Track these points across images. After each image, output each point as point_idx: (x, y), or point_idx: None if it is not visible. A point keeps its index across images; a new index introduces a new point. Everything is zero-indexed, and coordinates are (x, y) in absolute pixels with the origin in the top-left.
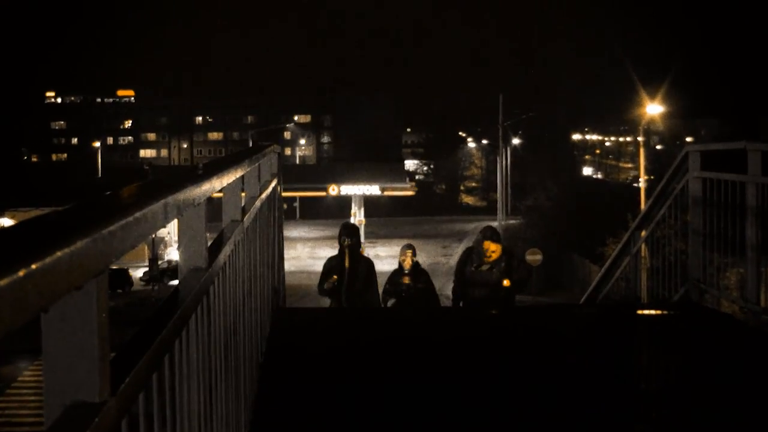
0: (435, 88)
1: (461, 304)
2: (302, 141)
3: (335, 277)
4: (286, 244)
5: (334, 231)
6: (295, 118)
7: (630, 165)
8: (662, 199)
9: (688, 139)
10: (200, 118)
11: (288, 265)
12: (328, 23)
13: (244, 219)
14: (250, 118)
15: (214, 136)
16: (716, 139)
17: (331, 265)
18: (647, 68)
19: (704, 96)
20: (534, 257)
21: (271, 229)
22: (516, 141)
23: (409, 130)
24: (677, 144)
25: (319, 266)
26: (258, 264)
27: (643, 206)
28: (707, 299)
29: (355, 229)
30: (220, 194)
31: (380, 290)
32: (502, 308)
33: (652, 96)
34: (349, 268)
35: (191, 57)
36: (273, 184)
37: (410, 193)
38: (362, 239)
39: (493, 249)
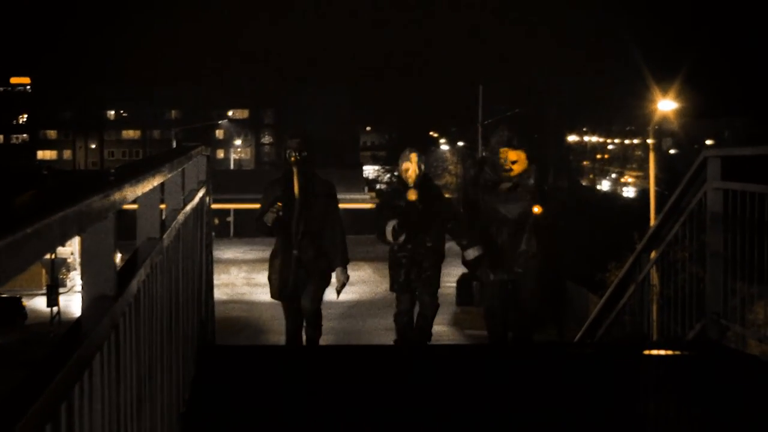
0: (401, 80)
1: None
2: (238, 141)
3: (277, 207)
4: (217, 268)
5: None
6: (230, 113)
7: (637, 173)
8: (675, 214)
9: (708, 143)
10: (113, 113)
11: (219, 294)
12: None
13: (164, 236)
14: (174, 113)
15: (130, 134)
16: (742, 142)
17: (274, 190)
18: (659, 58)
19: (727, 91)
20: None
21: (197, 248)
22: None
23: (368, 129)
24: (695, 148)
25: (257, 294)
26: (181, 291)
27: (652, 223)
28: (729, 337)
29: (305, 136)
30: (135, 206)
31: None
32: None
33: (665, 91)
34: (300, 195)
35: (103, 37)
36: (200, 194)
37: (369, 205)
38: None
39: (513, 158)
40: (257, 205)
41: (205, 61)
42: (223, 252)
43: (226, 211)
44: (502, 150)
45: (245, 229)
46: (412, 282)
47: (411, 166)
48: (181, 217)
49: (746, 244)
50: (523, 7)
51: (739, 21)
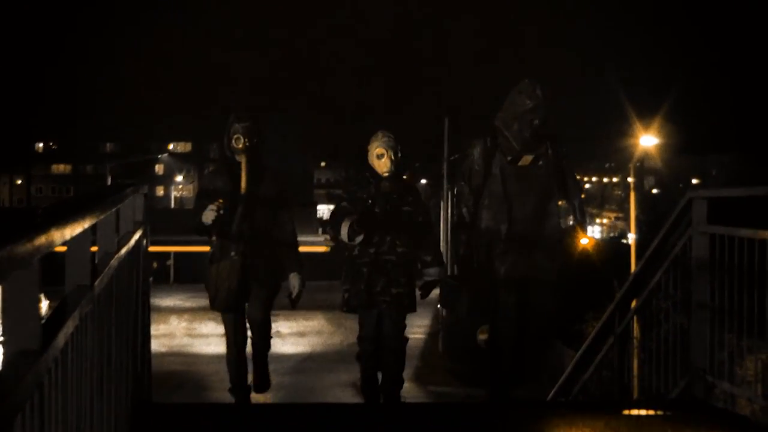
0: (358, 110)
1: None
2: (179, 177)
3: (218, 203)
4: (155, 317)
5: None
6: (171, 146)
7: (616, 213)
8: (658, 260)
9: (694, 181)
10: (41, 145)
11: (157, 345)
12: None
13: (96, 284)
14: (109, 146)
15: (60, 168)
16: (730, 180)
17: (214, 182)
18: (641, 92)
19: (715, 126)
20: (486, 336)
21: (133, 296)
22: None
23: (323, 164)
24: (680, 187)
25: (199, 346)
26: (114, 344)
27: (633, 269)
28: (717, 395)
29: (256, 119)
30: (64, 248)
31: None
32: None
33: (647, 126)
34: (248, 190)
35: (32, 63)
36: (137, 236)
37: (324, 248)
38: None
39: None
40: (202, 248)
41: (144, 90)
42: (162, 299)
43: (166, 254)
44: (527, 102)
45: (187, 273)
46: (377, 297)
47: (386, 153)
48: (114, 261)
49: (735, 293)
50: (499, 41)
51: (726, 55)
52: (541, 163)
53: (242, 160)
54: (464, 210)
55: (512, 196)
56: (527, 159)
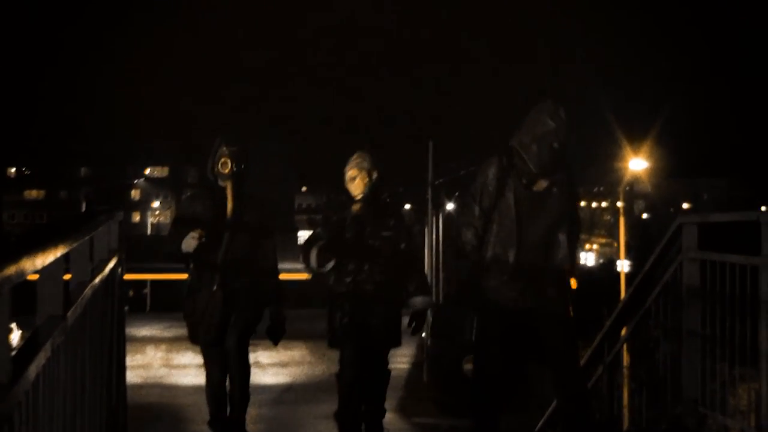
0: (341, 134)
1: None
2: (156, 203)
3: (200, 231)
4: (131, 347)
5: None
6: (147, 171)
7: (606, 239)
8: (648, 286)
9: (685, 206)
10: (13, 170)
11: (133, 376)
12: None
13: (69, 314)
14: (84, 171)
15: (33, 194)
16: (722, 206)
17: (194, 207)
18: (631, 115)
19: (707, 149)
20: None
21: (107, 326)
22: (451, 206)
23: (304, 189)
24: (671, 212)
25: (177, 377)
26: (88, 376)
27: (622, 296)
28: (709, 426)
29: (245, 145)
30: (35, 276)
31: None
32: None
33: (637, 149)
34: (233, 217)
35: (3, 85)
36: (112, 264)
37: (305, 276)
38: None
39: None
40: (179, 276)
41: (119, 113)
42: (139, 329)
43: (142, 282)
44: (548, 123)
45: (164, 302)
46: (356, 329)
47: (360, 174)
48: (88, 291)
49: (727, 320)
50: (487, 64)
51: (717, 79)
52: (555, 189)
53: (228, 185)
54: (472, 232)
55: (523, 221)
56: (542, 184)
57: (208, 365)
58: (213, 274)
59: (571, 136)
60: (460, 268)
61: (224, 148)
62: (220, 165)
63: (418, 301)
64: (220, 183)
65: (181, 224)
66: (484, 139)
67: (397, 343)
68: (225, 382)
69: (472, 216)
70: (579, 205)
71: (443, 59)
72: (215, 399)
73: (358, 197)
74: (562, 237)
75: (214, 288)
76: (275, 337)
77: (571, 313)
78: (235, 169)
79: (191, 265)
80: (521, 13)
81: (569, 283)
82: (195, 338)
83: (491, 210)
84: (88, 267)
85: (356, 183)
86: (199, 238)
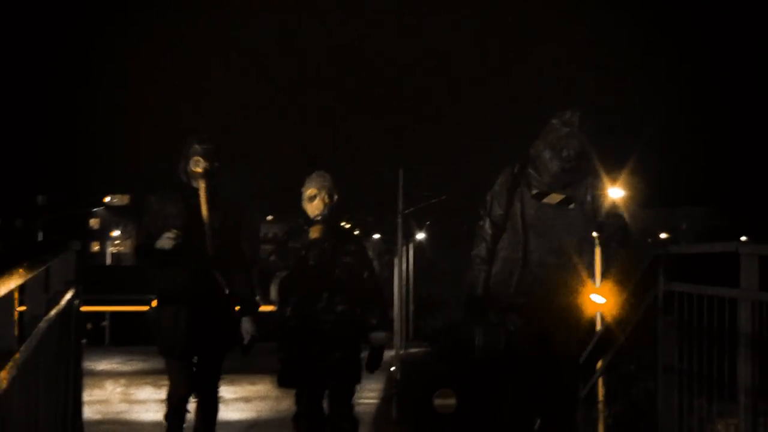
0: (307, 160)
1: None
2: (116, 232)
3: (176, 231)
4: (88, 382)
5: (160, 362)
6: (107, 199)
7: None
8: (623, 319)
9: (663, 236)
10: None
11: (90, 413)
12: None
13: (22, 348)
14: (40, 199)
15: None
16: (701, 236)
17: (165, 208)
18: (607, 142)
19: (685, 178)
20: (445, 402)
21: (63, 360)
22: (421, 236)
23: (270, 218)
24: (648, 242)
25: (137, 413)
26: (42, 413)
27: (597, 328)
28: None
29: (217, 144)
30: None
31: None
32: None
33: (613, 177)
34: (210, 219)
35: None
36: (69, 295)
37: (271, 307)
38: None
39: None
40: (140, 308)
41: (78, 139)
42: (97, 363)
43: (101, 314)
44: (566, 134)
45: (123, 335)
46: (313, 364)
47: (320, 194)
48: (43, 324)
49: (704, 354)
50: (457, 88)
51: (695, 106)
52: (572, 206)
53: (201, 185)
54: (482, 245)
55: (530, 236)
56: (555, 197)
57: (172, 381)
58: (186, 280)
59: (591, 148)
60: (473, 282)
61: (197, 147)
62: (192, 164)
63: (378, 336)
64: (193, 183)
65: (151, 222)
66: (461, 167)
67: (357, 380)
68: (186, 403)
69: (482, 228)
70: (620, 219)
71: (417, 86)
72: (174, 420)
73: (317, 218)
74: (577, 260)
75: (185, 296)
76: (246, 348)
77: (577, 353)
78: (208, 167)
79: (161, 266)
80: (492, 43)
81: (580, 314)
82: (169, 351)
83: (504, 219)
84: (43, 299)
85: (315, 203)
86: (176, 239)
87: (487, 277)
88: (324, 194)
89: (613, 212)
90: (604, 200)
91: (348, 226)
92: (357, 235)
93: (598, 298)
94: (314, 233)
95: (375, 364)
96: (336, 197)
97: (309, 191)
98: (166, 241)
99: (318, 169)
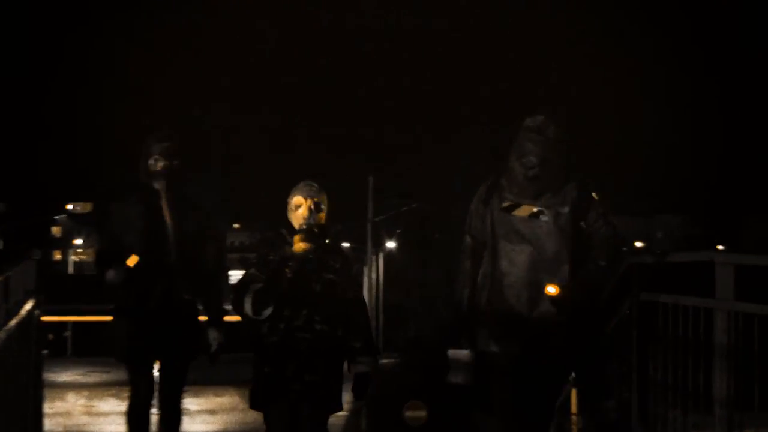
0: (274, 166)
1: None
2: (79, 240)
3: (134, 257)
4: (50, 393)
5: (124, 374)
6: (69, 206)
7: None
8: (597, 330)
9: (638, 245)
10: None
11: (52, 425)
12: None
13: None
14: (1, 207)
15: None
16: (677, 244)
17: (129, 219)
18: (582, 150)
19: (661, 187)
20: (415, 414)
21: (23, 372)
22: (391, 244)
23: (237, 226)
24: (623, 251)
25: (100, 425)
26: (1, 426)
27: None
28: None
29: (177, 140)
30: None
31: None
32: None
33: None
34: (173, 222)
35: None
36: (29, 306)
37: (236, 318)
38: None
39: (539, 154)
40: (103, 318)
41: (39, 144)
42: (59, 374)
43: (63, 325)
44: (527, 141)
45: (85, 346)
46: (286, 385)
47: (305, 203)
48: (2, 334)
49: (679, 365)
50: (428, 97)
51: (673, 115)
52: (544, 218)
53: (162, 185)
54: (467, 263)
55: (499, 252)
56: (526, 209)
57: (133, 386)
58: (149, 287)
59: (564, 156)
60: (459, 300)
61: (155, 145)
62: (152, 163)
63: (363, 362)
64: (154, 184)
65: (112, 238)
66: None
67: (338, 407)
68: (150, 404)
69: (464, 244)
70: (608, 240)
71: (388, 92)
72: (138, 420)
73: (303, 227)
74: (549, 281)
75: (149, 303)
76: (213, 356)
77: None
78: (168, 166)
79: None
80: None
81: (562, 339)
82: (125, 356)
83: (483, 234)
84: (2, 309)
85: (301, 212)
86: (121, 274)
87: (472, 294)
88: (311, 203)
89: (602, 222)
90: (589, 210)
91: (335, 238)
92: (343, 250)
93: (551, 289)
94: (298, 245)
95: (360, 392)
96: (324, 208)
97: (295, 200)
98: (112, 275)
99: (284, 173)
